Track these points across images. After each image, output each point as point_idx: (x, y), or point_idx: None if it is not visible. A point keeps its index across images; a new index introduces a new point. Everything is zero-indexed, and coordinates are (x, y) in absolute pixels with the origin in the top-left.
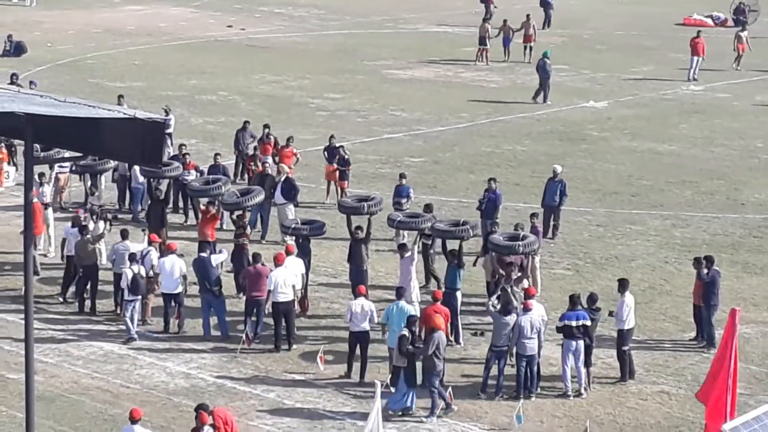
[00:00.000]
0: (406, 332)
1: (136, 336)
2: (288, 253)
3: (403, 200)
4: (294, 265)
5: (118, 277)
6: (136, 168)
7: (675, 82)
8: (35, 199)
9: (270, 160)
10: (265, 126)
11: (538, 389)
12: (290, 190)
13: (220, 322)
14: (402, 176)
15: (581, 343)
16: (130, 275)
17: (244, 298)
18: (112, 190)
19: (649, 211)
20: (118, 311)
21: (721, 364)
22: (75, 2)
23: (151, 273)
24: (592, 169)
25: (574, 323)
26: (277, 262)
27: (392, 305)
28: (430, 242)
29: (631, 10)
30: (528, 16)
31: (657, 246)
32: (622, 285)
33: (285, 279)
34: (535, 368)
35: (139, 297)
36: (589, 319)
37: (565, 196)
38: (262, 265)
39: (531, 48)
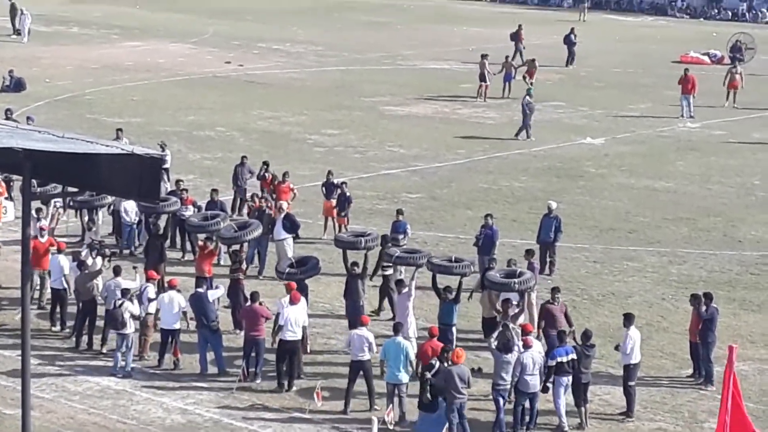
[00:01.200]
0: (433, 361)
1: (117, 370)
2: (289, 290)
3: (401, 236)
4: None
5: (107, 313)
6: (125, 204)
7: (671, 120)
8: (44, 236)
9: (268, 197)
10: (264, 163)
11: (534, 425)
12: (291, 226)
13: (217, 357)
14: (399, 212)
15: (570, 377)
16: (109, 308)
17: (243, 336)
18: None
19: (646, 248)
20: (104, 350)
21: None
22: (73, 38)
23: (149, 309)
24: (589, 206)
25: (565, 358)
26: (293, 301)
27: (389, 341)
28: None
29: (628, 48)
30: (534, 60)
31: (654, 283)
32: (628, 319)
33: (296, 318)
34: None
35: (124, 332)
36: (575, 353)
37: (560, 232)
38: (260, 304)
39: (531, 84)
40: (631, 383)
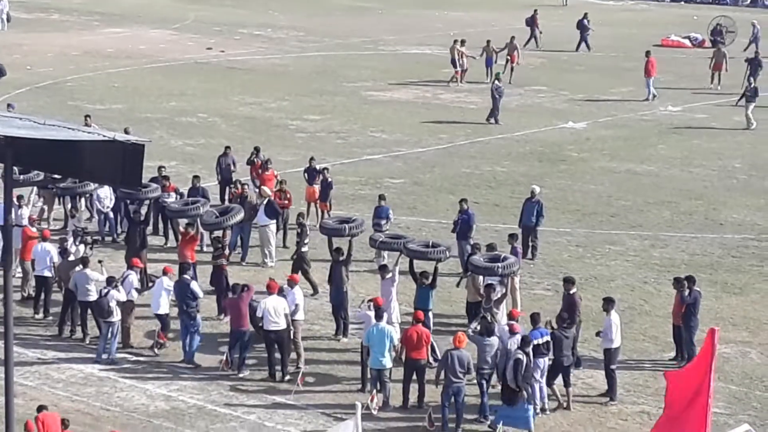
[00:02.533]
0: (521, 355)
1: (101, 357)
2: (292, 283)
3: (383, 221)
4: (296, 293)
5: (82, 304)
6: (99, 191)
7: (653, 103)
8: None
9: (250, 183)
10: (255, 148)
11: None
12: (273, 212)
13: (189, 345)
14: (381, 197)
15: (546, 360)
16: (92, 298)
17: (229, 328)
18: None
19: (628, 232)
20: (86, 341)
21: (699, 384)
22: (54, 25)
23: (130, 296)
24: (571, 190)
25: (540, 341)
26: (270, 290)
27: (372, 326)
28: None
29: (609, 32)
30: (513, 37)
31: (636, 266)
32: (608, 303)
33: (275, 308)
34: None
35: (111, 320)
36: (552, 336)
37: (542, 216)
38: (243, 291)
39: (512, 69)
40: (613, 367)
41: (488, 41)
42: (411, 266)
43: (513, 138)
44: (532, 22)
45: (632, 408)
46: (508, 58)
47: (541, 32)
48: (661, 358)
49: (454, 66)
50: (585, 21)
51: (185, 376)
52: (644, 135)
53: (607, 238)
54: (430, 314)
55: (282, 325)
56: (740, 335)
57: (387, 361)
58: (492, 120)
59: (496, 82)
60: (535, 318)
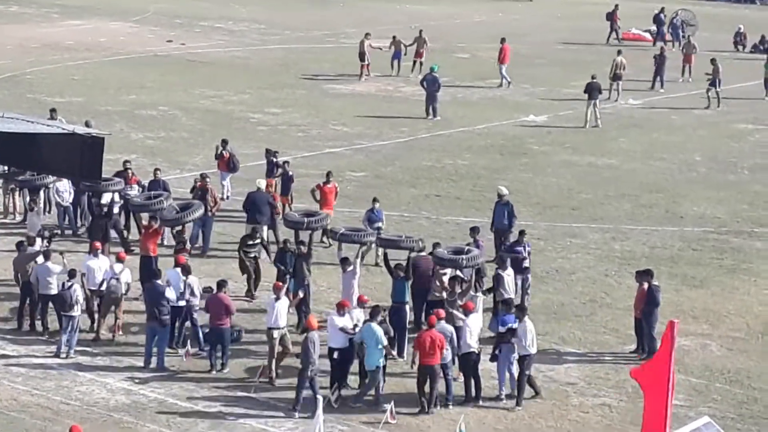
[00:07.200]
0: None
1: (62, 351)
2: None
3: (379, 224)
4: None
5: (42, 297)
6: (58, 185)
7: (611, 96)
8: None
9: (227, 179)
10: (223, 141)
11: (480, 401)
12: None
13: (160, 352)
14: (375, 200)
15: (515, 345)
16: (53, 292)
17: (209, 327)
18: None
19: (589, 225)
20: (45, 336)
21: (660, 376)
22: (13, 17)
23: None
24: (532, 183)
25: (514, 326)
26: (339, 309)
27: (367, 326)
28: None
29: (569, 25)
30: (420, 32)
31: (597, 259)
32: (521, 311)
33: (344, 326)
34: (451, 378)
35: (72, 314)
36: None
37: (514, 217)
38: (225, 292)
39: (421, 63)
40: (528, 372)
41: (394, 36)
42: (386, 259)
43: (474, 131)
44: (612, 16)
45: (593, 400)
46: (415, 59)
47: (619, 27)
48: (622, 351)
49: (362, 60)
50: (662, 15)
51: (146, 370)
52: (605, 128)
53: (568, 231)
54: (407, 307)
55: (346, 343)
56: (700, 328)
57: (381, 360)
58: (432, 115)
59: (434, 74)
60: (509, 303)
